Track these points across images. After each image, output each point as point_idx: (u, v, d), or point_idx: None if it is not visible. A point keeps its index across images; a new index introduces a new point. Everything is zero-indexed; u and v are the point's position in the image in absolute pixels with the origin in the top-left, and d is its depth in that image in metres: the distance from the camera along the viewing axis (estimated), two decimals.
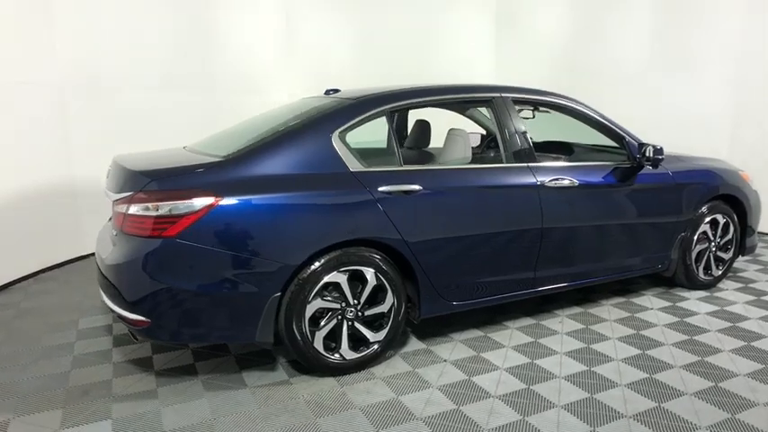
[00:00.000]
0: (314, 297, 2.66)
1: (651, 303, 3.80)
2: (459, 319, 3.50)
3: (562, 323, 3.46)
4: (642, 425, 2.36)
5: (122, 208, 2.54)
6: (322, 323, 2.72)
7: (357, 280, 2.78)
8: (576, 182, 3.34)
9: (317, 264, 2.65)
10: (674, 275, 3.99)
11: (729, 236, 4.08)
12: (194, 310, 2.51)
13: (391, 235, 2.80)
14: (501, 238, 3.13)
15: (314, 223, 2.64)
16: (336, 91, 3.46)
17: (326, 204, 2.68)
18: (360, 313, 2.80)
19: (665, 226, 3.75)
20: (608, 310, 3.68)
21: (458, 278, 3.06)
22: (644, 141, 3.64)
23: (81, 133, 4.70)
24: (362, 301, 2.79)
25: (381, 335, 2.87)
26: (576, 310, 3.69)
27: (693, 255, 3.95)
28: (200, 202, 2.46)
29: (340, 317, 2.75)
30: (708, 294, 3.97)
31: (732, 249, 4.12)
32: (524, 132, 3.32)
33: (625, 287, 4.11)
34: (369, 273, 2.77)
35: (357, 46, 6.65)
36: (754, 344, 3.14)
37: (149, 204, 2.46)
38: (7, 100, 4.10)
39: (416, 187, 2.88)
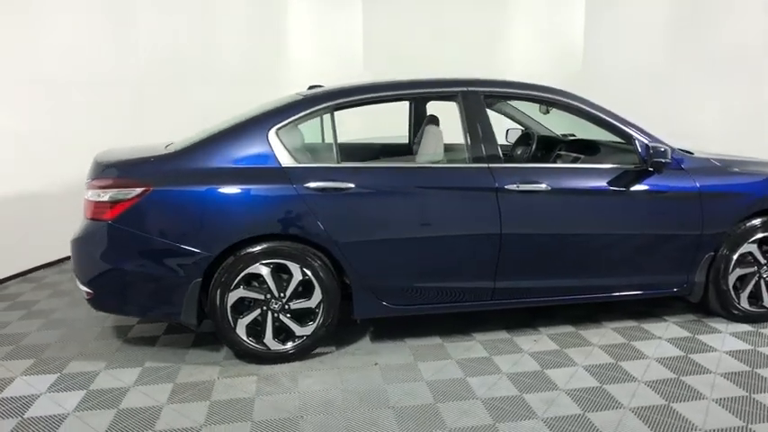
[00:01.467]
0: (236, 286, 2.78)
1: (665, 332, 3.25)
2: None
3: (537, 342, 3.13)
4: None
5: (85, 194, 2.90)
6: (246, 312, 2.83)
7: (286, 273, 2.83)
8: (549, 186, 2.99)
9: (240, 254, 2.76)
10: (708, 303, 3.36)
11: None
12: (126, 288, 2.81)
13: (318, 232, 2.80)
14: (445, 243, 2.94)
15: (235, 215, 2.76)
16: (320, 86, 3.46)
17: (250, 198, 2.77)
18: (286, 306, 2.84)
19: (681, 242, 3.19)
20: (603, 333, 3.23)
21: (396, 281, 2.96)
22: (666, 143, 3.14)
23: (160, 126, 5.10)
24: (288, 294, 2.83)
25: (309, 329, 2.89)
26: (567, 329, 3.30)
27: (731, 280, 3.29)
28: (134, 191, 2.72)
29: (264, 307, 2.83)
30: (750, 329, 3.27)
31: None
32: (490, 131, 3.07)
33: (649, 309, 3.55)
34: (294, 267, 2.81)
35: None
36: (757, 396, 2.55)
37: (98, 191, 2.77)
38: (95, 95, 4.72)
39: (349, 185, 2.83)
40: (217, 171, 2.79)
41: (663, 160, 3.03)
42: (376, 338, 3.19)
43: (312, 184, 2.80)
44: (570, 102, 3.21)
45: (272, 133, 2.88)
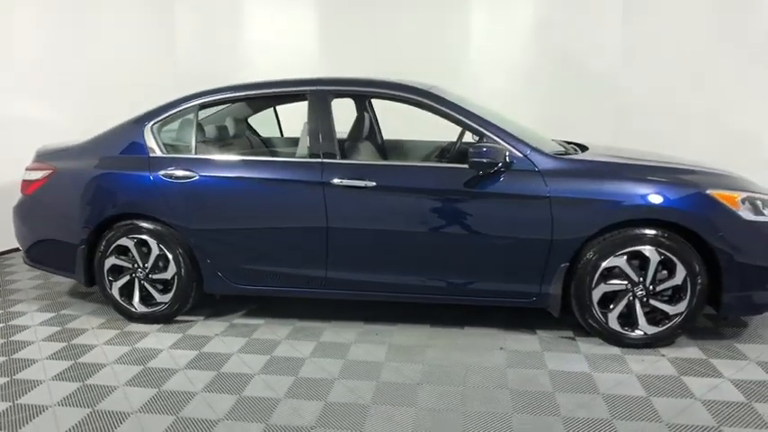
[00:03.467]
0: (110, 254, 3.30)
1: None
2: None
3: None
4: None
5: None
6: (120, 277, 3.35)
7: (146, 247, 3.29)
8: (375, 183, 2.97)
9: (112, 228, 3.29)
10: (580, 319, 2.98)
11: (677, 281, 2.82)
12: (41, 249, 3.56)
13: (168, 214, 3.22)
14: (276, 232, 3.17)
15: (108, 195, 3.34)
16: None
17: (119, 181, 3.31)
18: (149, 275, 3.29)
19: (526, 249, 2.92)
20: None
21: (237, 263, 3.24)
22: (532, 143, 2.99)
23: None
24: (149, 265, 3.28)
25: (167, 297, 3.31)
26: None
27: (596, 296, 2.89)
28: (44, 173, 3.44)
29: (132, 275, 3.32)
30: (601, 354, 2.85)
31: (687, 301, 2.84)
32: (330, 128, 3.14)
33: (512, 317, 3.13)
34: (152, 243, 3.25)
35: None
36: None
37: (27, 172, 3.54)
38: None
39: (192, 174, 3.18)
40: (104, 159, 3.37)
41: (478, 160, 2.83)
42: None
43: (161, 172, 3.22)
44: (421, 99, 3.13)
45: (147, 128, 3.35)
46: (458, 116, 3.09)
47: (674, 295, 2.88)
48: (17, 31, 4.89)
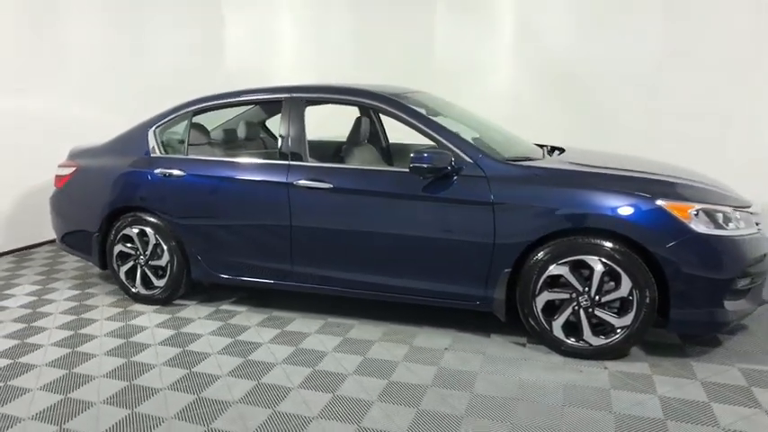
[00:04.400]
0: (117, 242, 3.78)
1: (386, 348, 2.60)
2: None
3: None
4: None
5: None
6: (126, 262, 3.81)
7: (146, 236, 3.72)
8: (333, 185, 3.17)
9: (120, 218, 3.76)
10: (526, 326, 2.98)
11: (622, 292, 2.74)
12: (70, 236, 4.07)
13: (162, 207, 3.63)
14: (249, 227, 3.45)
15: (117, 188, 3.77)
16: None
17: (126, 177, 3.75)
18: (148, 262, 3.72)
19: (470, 253, 2.98)
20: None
21: (219, 255, 3.56)
22: (481, 148, 3.10)
23: None
24: (148, 253, 3.69)
25: (162, 282, 3.72)
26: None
27: (539, 303, 2.89)
28: (69, 169, 3.97)
29: (134, 261, 3.76)
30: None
31: (633, 314, 2.75)
32: (301, 132, 3.37)
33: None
34: (150, 233, 3.67)
35: None
36: None
37: (59, 169, 4.06)
38: None
39: (180, 173, 3.58)
40: (115, 157, 3.83)
41: (418, 165, 2.94)
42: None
43: (158, 170, 3.64)
44: (380, 105, 3.32)
45: (151, 131, 3.77)
46: (414, 122, 3.20)
47: (622, 307, 2.81)
48: (77, 37, 5.58)
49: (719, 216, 2.74)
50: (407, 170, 3.05)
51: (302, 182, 3.28)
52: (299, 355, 3.04)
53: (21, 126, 5.11)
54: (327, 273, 3.35)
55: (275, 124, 4.68)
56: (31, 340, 3.28)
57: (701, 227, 2.68)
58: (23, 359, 3.05)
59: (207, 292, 3.98)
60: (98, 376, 2.84)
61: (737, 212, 2.84)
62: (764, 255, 2.89)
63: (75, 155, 4.10)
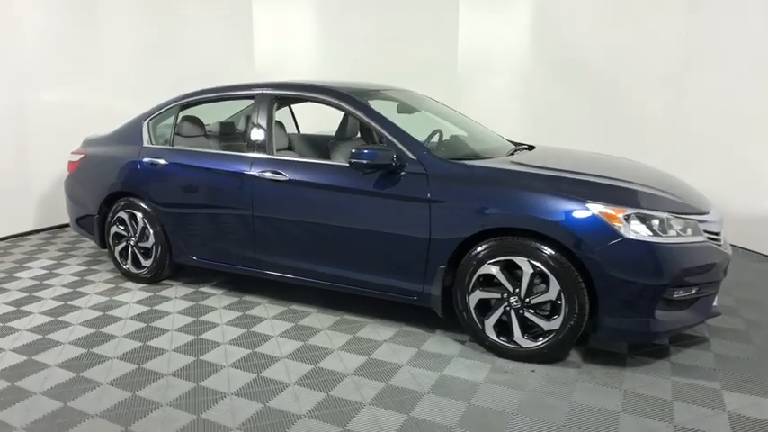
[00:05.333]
0: (113, 223, 4.12)
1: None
2: None
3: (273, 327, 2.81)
4: None
5: None
6: (119, 243, 4.16)
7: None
8: (288, 177, 3.34)
9: (116, 201, 4.09)
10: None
11: (551, 295, 2.71)
12: (79, 218, 4.43)
13: (147, 193, 3.92)
14: (218, 215, 3.67)
15: (112, 175, 4.09)
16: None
17: (121, 165, 4.05)
18: (138, 243, 4.03)
19: (407, 249, 3.03)
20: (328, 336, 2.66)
21: (193, 239, 3.81)
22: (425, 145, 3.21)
23: None
24: (137, 235, 4.01)
25: (149, 263, 4.01)
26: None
27: (472, 301, 2.89)
28: (79, 156, 4.35)
29: (126, 242, 4.09)
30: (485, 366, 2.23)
31: (561, 318, 2.70)
32: (268, 126, 3.55)
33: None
34: (139, 217, 3.98)
35: None
36: None
37: (71, 155, 4.44)
38: None
39: (162, 161, 3.87)
40: (114, 146, 4.18)
41: (357, 161, 3.02)
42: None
43: (146, 159, 3.93)
44: (335, 102, 3.43)
45: (145, 123, 4.10)
46: (366, 119, 3.31)
47: (553, 311, 2.77)
48: (112, 35, 6.05)
49: (655, 222, 2.64)
50: (344, 164, 3.18)
51: (261, 173, 3.45)
52: (248, 337, 3.21)
53: (63, 114, 5.62)
54: (283, 261, 3.51)
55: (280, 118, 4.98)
56: (25, 308, 3.67)
57: (631, 232, 2.60)
58: (11, 323, 3.42)
59: (195, 274, 4.25)
60: (65, 342, 3.15)
61: (680, 220, 2.71)
62: (712, 264, 2.75)
63: (85, 143, 4.48)
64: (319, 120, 4.83)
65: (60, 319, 3.49)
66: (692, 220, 2.75)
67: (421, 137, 3.77)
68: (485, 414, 2.42)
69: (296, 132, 5.07)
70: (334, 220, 3.26)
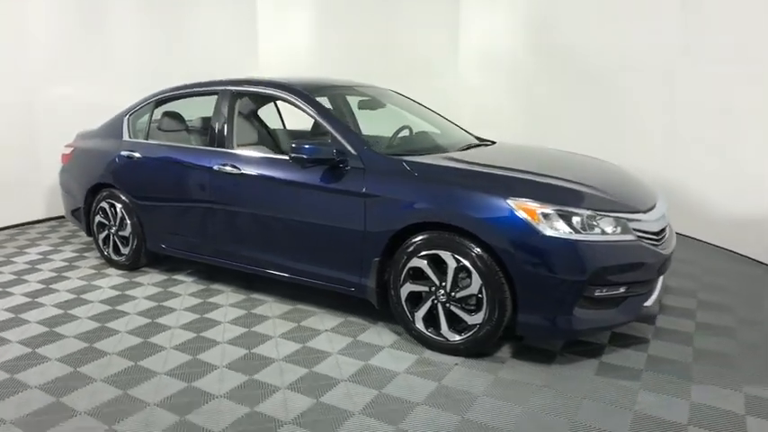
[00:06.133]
0: (95, 214, 4.39)
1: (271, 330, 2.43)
2: None
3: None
4: None
5: None
6: (102, 231, 4.42)
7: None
8: (238, 170, 3.50)
9: (98, 192, 4.37)
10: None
11: (472, 289, 2.74)
12: (70, 208, 4.73)
13: (123, 183, 4.16)
14: (183, 207, 3.87)
15: (94, 167, 4.36)
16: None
17: (102, 158, 4.31)
18: (117, 232, 4.29)
19: (344, 241, 3.13)
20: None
21: (162, 227, 4.03)
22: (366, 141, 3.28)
23: None
24: (117, 224, 4.27)
25: (127, 250, 4.27)
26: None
27: (403, 294, 2.97)
28: (70, 149, 4.64)
29: (108, 231, 4.35)
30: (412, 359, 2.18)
31: (483, 313, 2.74)
32: (229, 121, 3.70)
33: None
34: (118, 206, 4.23)
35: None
36: None
37: (65, 147, 4.73)
38: None
39: (137, 155, 4.09)
40: (97, 140, 4.46)
41: (297, 155, 3.14)
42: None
43: (123, 153, 4.17)
44: (288, 98, 3.55)
45: (126, 118, 4.34)
46: (313, 114, 3.42)
47: (477, 305, 2.80)
48: (120, 33, 6.35)
49: (576, 219, 2.63)
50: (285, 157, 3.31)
51: (220, 167, 3.60)
52: (199, 323, 3.37)
53: (72, 109, 5.94)
54: (238, 251, 3.67)
55: (266, 115, 5.14)
56: (10, 289, 3.96)
57: (548, 229, 2.60)
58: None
59: (175, 262, 4.46)
60: (32, 321, 3.39)
61: (607, 218, 2.69)
62: (641, 264, 2.71)
63: (77, 137, 4.76)
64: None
65: (37, 300, 3.74)
66: (621, 218, 2.72)
67: (388, 132, 3.92)
68: (389, 402, 2.48)
69: (282, 128, 5.22)
70: (280, 212, 3.38)
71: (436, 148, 3.54)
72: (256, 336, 3.18)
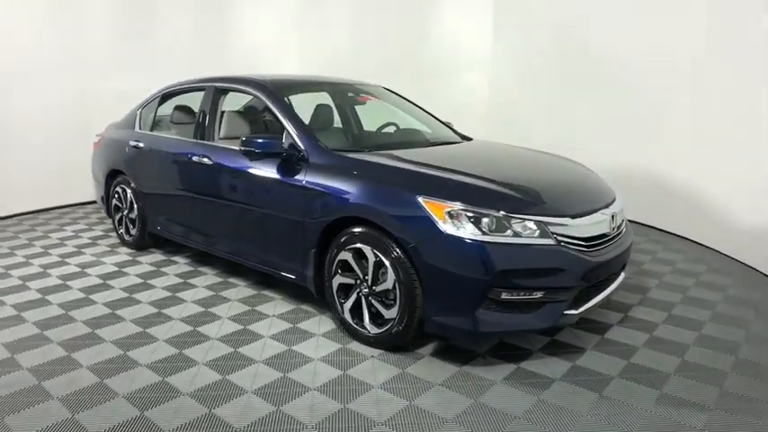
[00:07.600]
0: (112, 197, 4.92)
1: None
2: None
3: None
4: None
5: None
6: (117, 213, 4.92)
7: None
8: (209, 161, 3.78)
9: (115, 177, 4.87)
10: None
11: (388, 284, 2.80)
12: (97, 189, 5.19)
13: (131, 170, 4.60)
14: (170, 193, 4.21)
15: (112, 154, 4.84)
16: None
17: (118, 147, 4.74)
18: (128, 214, 4.73)
19: (284, 231, 3.32)
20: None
21: (157, 212, 4.41)
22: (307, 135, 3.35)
23: None
24: (127, 206, 4.71)
25: (135, 231, 4.66)
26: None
27: (334, 285, 3.10)
28: (98, 138, 5.13)
29: (121, 213, 4.81)
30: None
31: (397, 307, 2.78)
32: (211, 115, 3.97)
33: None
34: (128, 191, 4.68)
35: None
36: None
37: (96, 136, 5.19)
38: None
39: (141, 144, 4.47)
40: (115, 131, 4.93)
41: (247, 149, 3.37)
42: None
43: (132, 142, 4.54)
44: (255, 93, 3.76)
45: (138, 110, 4.75)
46: (274, 110, 3.57)
47: (394, 300, 2.83)
48: (163, 33, 6.92)
49: (485, 220, 2.59)
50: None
51: (199, 159, 3.88)
52: (166, 300, 3.67)
53: (120, 100, 6.55)
54: (208, 236, 4.00)
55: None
56: (33, 260, 4.50)
57: (451, 227, 2.58)
58: (11, 271, 4.23)
59: (174, 243, 4.83)
60: (33, 289, 3.86)
61: (524, 222, 2.61)
62: (558, 270, 2.62)
63: (107, 127, 5.28)
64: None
65: (49, 271, 4.23)
66: (541, 222, 2.64)
67: (372, 127, 4.11)
68: (287, 385, 2.60)
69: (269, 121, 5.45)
70: (239, 201, 3.61)
71: (399, 144, 3.59)
72: (208, 316, 3.41)
